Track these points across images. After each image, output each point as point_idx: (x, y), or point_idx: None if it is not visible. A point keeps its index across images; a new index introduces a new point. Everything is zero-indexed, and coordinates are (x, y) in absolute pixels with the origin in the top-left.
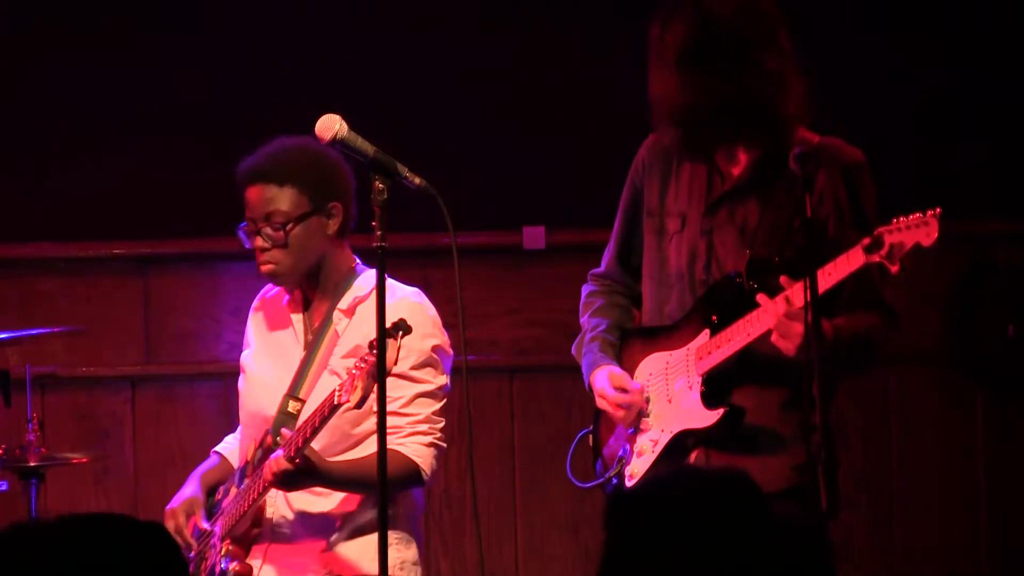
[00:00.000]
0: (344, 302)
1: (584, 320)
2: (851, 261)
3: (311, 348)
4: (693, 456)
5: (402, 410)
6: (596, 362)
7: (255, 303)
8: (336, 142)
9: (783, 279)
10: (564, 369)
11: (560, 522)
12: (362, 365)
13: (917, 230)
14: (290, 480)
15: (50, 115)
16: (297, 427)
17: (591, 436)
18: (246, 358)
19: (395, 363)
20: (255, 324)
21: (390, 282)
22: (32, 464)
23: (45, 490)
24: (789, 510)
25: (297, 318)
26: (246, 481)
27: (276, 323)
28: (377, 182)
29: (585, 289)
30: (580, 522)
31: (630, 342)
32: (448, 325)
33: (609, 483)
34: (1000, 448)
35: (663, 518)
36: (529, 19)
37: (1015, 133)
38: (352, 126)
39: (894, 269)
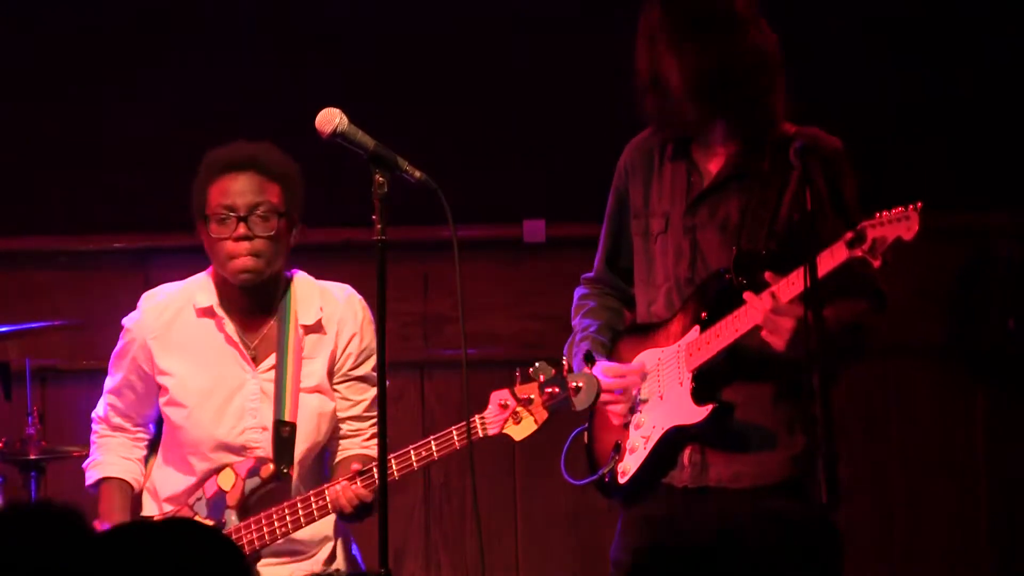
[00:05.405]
0: (304, 317)
1: (576, 322)
2: (835, 256)
3: (279, 370)
4: (687, 453)
5: (364, 413)
6: None
7: (143, 330)
8: (336, 135)
9: (768, 275)
10: None
11: (560, 515)
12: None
13: (898, 224)
14: (367, 510)
15: (51, 110)
16: (375, 459)
17: (585, 434)
18: (176, 389)
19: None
20: (166, 350)
21: (320, 282)
22: (32, 457)
23: (45, 483)
24: (789, 504)
25: (236, 338)
26: (269, 511)
27: (203, 347)
28: (378, 176)
29: (577, 292)
30: (580, 515)
31: (622, 339)
32: (448, 318)
33: (602, 480)
34: (1000, 442)
35: None
36: (529, 12)
37: (1014, 127)
38: (352, 120)
39: (876, 263)
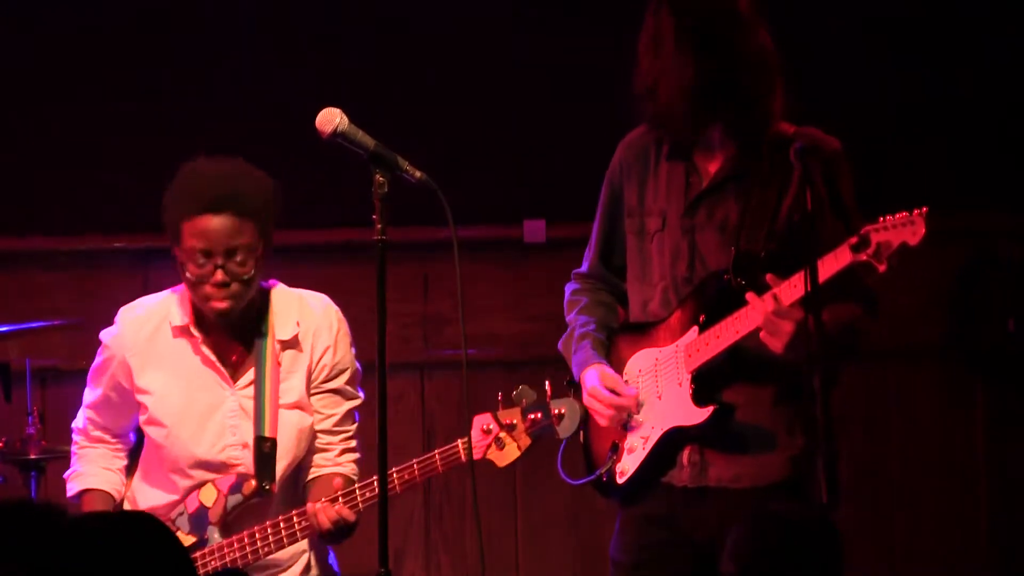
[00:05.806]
0: (281, 332)
1: (571, 318)
2: (839, 259)
3: (258, 386)
4: (686, 453)
5: (335, 428)
6: (587, 360)
7: (122, 347)
8: (337, 135)
9: (769, 277)
10: (565, 363)
11: (560, 515)
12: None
13: (903, 229)
14: (348, 531)
15: (51, 110)
16: (363, 482)
17: (581, 433)
18: (155, 407)
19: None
20: (145, 368)
21: (296, 291)
22: (32, 457)
23: (45, 483)
24: (789, 504)
25: (212, 358)
26: (252, 530)
27: (180, 365)
28: (378, 176)
29: (568, 288)
30: (579, 515)
31: (618, 337)
32: (448, 319)
33: (600, 480)
34: (1000, 442)
35: None
36: (528, 11)
37: (1014, 127)
38: (352, 120)
39: (881, 268)
